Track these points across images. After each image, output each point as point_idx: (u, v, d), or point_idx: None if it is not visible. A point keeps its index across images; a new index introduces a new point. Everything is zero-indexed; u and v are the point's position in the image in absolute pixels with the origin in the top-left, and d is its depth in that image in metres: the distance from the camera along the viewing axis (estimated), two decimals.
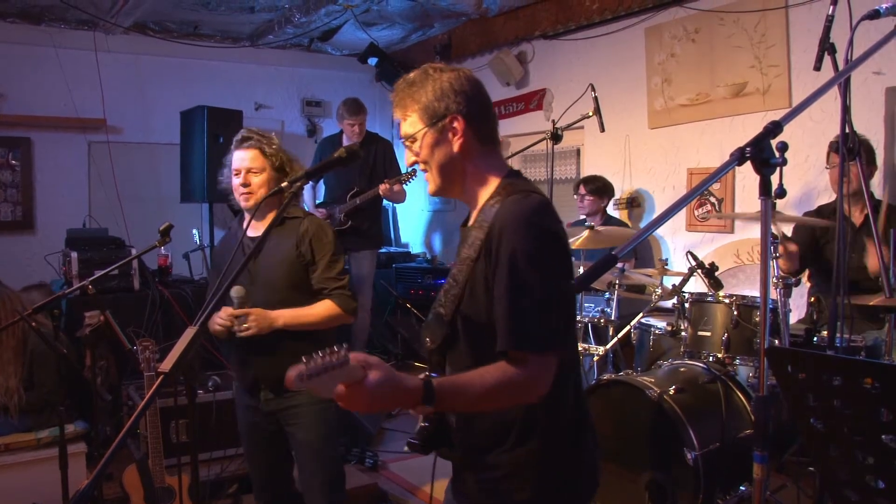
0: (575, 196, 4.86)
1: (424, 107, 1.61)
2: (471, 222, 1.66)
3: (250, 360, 2.60)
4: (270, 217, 2.59)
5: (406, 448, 1.70)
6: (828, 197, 3.95)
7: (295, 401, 2.58)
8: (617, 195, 5.09)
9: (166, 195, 6.22)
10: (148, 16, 5.82)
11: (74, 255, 4.44)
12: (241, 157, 2.59)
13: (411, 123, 1.64)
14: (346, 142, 5.55)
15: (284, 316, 2.50)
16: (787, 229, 3.86)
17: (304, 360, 1.31)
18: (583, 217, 4.84)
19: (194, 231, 5.63)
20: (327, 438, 2.66)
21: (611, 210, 5.01)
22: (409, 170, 5.35)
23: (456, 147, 1.61)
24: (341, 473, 2.76)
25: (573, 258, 1.75)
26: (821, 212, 3.63)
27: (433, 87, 1.62)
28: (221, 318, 2.47)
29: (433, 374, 1.66)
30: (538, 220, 1.52)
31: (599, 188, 4.77)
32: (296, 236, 2.58)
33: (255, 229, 2.64)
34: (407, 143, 1.67)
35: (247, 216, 2.68)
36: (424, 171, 1.68)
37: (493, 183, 1.64)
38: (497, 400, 1.50)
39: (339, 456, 2.78)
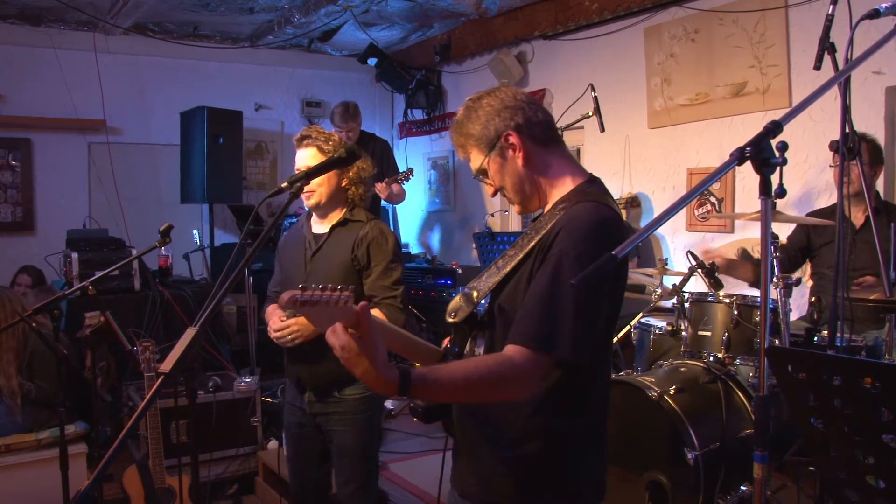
0: None
1: (477, 138, 1.63)
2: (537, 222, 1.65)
3: (297, 361, 2.61)
4: (333, 216, 2.64)
5: (412, 416, 1.71)
6: (827, 197, 3.95)
7: (339, 406, 2.58)
8: (617, 195, 5.09)
9: (166, 196, 6.23)
10: (147, 17, 5.82)
11: (75, 255, 4.44)
12: (301, 157, 2.62)
13: (474, 158, 1.66)
14: None
15: None
16: (788, 230, 3.85)
17: (301, 287, 1.30)
18: None
19: (194, 232, 5.64)
20: (367, 446, 2.63)
21: None
22: (406, 168, 5.35)
23: (520, 161, 1.61)
24: (375, 481, 2.73)
25: None
26: (818, 215, 3.63)
27: (477, 117, 1.63)
28: (272, 332, 2.50)
29: (455, 349, 1.67)
30: (602, 231, 1.50)
31: None
32: (354, 240, 2.56)
33: (320, 226, 2.68)
34: (482, 179, 1.68)
35: (314, 214, 2.72)
36: (504, 196, 1.68)
37: (568, 186, 1.63)
38: (481, 393, 1.46)
39: (376, 464, 2.74)
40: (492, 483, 1.61)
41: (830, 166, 3.63)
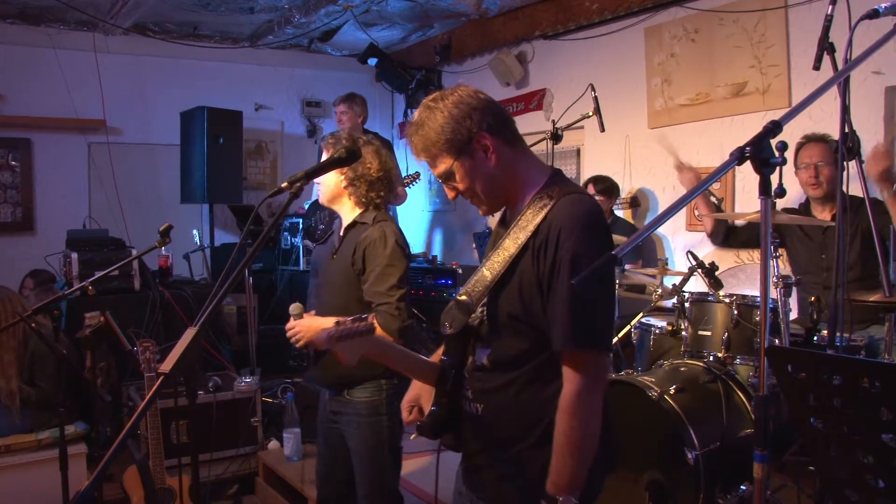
0: None
1: (446, 141, 1.59)
2: (511, 221, 1.65)
3: (316, 360, 2.64)
4: (346, 217, 2.65)
5: (414, 433, 1.73)
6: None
7: (348, 408, 2.59)
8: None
9: (166, 196, 6.23)
10: (147, 17, 5.82)
11: (75, 255, 4.44)
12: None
13: (441, 162, 1.62)
14: None
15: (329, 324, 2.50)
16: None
17: (336, 322, 1.46)
18: None
19: (194, 232, 5.63)
20: (374, 451, 2.59)
21: (614, 209, 5.01)
22: (413, 172, 5.35)
23: (493, 162, 1.61)
24: (389, 490, 2.66)
25: None
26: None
27: (444, 118, 1.59)
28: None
29: (446, 359, 1.70)
30: (598, 224, 1.55)
31: (608, 188, 4.76)
32: (356, 243, 2.54)
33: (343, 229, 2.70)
34: (445, 181, 1.66)
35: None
36: (469, 198, 1.67)
37: (539, 182, 1.64)
38: (584, 426, 1.51)
39: (388, 472, 2.66)
40: (516, 482, 1.62)
41: (796, 169, 3.51)
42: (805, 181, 3.46)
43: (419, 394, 1.84)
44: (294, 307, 2.54)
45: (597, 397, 1.52)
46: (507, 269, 1.58)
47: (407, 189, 5.30)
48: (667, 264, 3.95)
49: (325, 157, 2.61)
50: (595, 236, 1.52)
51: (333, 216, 5.34)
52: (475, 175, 1.61)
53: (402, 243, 2.56)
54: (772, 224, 3.59)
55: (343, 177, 2.59)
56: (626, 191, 5.18)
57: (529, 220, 1.56)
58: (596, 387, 1.52)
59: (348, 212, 2.65)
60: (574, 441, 1.49)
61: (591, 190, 4.74)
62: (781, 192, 1.78)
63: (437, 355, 1.79)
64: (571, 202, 1.55)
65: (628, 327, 3.71)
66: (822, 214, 3.46)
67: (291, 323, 2.53)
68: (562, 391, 1.52)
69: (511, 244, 1.58)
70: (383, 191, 2.62)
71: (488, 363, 1.64)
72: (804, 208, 3.60)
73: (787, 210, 3.67)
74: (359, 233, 2.57)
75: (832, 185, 3.31)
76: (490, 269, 1.61)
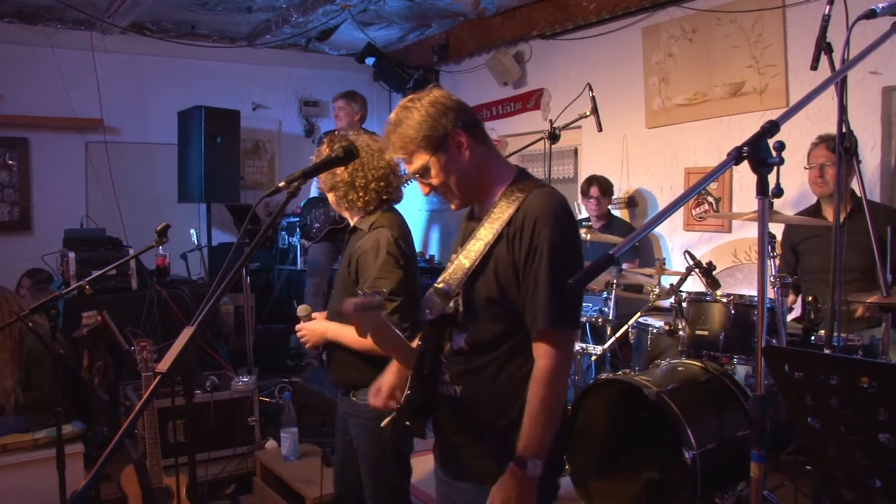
0: (583, 197, 4.84)
1: (423, 137, 1.68)
2: (482, 215, 1.74)
3: (329, 360, 2.63)
4: (351, 222, 2.59)
5: (387, 419, 1.77)
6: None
7: (353, 409, 2.55)
8: (615, 195, 5.10)
9: (164, 195, 6.22)
10: (145, 16, 5.82)
11: (72, 255, 4.43)
12: None
13: (417, 158, 1.70)
14: None
15: (331, 330, 2.48)
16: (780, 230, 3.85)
17: (360, 292, 1.54)
18: (583, 216, 4.85)
19: (192, 231, 5.63)
20: (376, 454, 2.52)
21: (611, 209, 5.01)
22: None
23: (466, 158, 1.70)
24: (394, 494, 2.58)
25: None
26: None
27: (421, 117, 1.68)
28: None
29: (422, 345, 1.79)
30: (569, 215, 1.68)
31: (608, 188, 4.79)
32: (351, 252, 2.48)
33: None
34: (419, 178, 1.74)
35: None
36: (442, 193, 1.75)
37: (507, 179, 1.74)
38: (556, 397, 1.62)
39: (392, 476, 2.56)
40: (498, 464, 1.66)
41: (806, 168, 3.56)
42: (811, 179, 3.53)
43: (383, 378, 1.92)
44: (301, 309, 2.54)
45: (567, 371, 1.66)
46: (484, 257, 1.67)
47: (402, 188, 5.29)
48: (664, 264, 3.95)
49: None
50: (567, 226, 1.66)
51: (329, 214, 5.38)
52: (450, 170, 1.70)
53: (395, 252, 2.39)
54: (787, 242, 3.65)
55: (323, 187, 2.56)
56: (623, 190, 5.18)
57: (503, 212, 1.67)
58: (568, 362, 1.67)
59: (349, 218, 2.61)
60: (547, 410, 1.60)
61: (594, 191, 4.74)
62: (778, 192, 1.79)
63: (417, 342, 1.87)
64: (543, 195, 1.67)
65: (625, 327, 3.71)
66: (832, 215, 3.47)
67: (300, 325, 2.55)
68: (536, 365, 1.61)
69: (486, 234, 1.68)
70: (362, 191, 2.46)
71: (466, 346, 1.72)
72: (814, 210, 3.62)
73: (799, 213, 3.69)
74: (356, 240, 2.52)
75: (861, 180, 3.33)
76: (467, 257, 1.70)
